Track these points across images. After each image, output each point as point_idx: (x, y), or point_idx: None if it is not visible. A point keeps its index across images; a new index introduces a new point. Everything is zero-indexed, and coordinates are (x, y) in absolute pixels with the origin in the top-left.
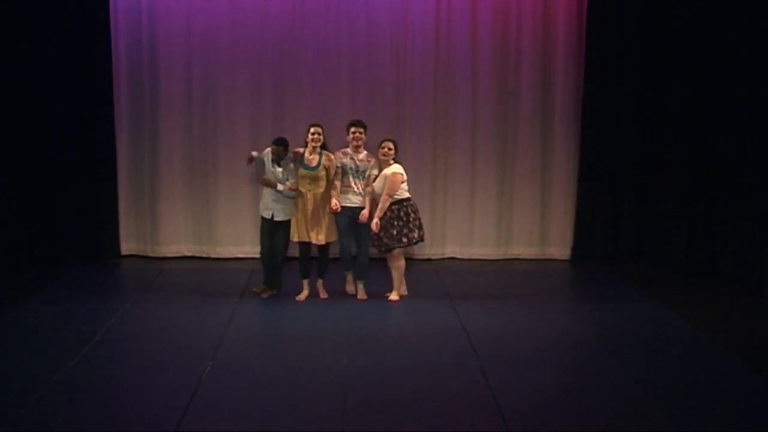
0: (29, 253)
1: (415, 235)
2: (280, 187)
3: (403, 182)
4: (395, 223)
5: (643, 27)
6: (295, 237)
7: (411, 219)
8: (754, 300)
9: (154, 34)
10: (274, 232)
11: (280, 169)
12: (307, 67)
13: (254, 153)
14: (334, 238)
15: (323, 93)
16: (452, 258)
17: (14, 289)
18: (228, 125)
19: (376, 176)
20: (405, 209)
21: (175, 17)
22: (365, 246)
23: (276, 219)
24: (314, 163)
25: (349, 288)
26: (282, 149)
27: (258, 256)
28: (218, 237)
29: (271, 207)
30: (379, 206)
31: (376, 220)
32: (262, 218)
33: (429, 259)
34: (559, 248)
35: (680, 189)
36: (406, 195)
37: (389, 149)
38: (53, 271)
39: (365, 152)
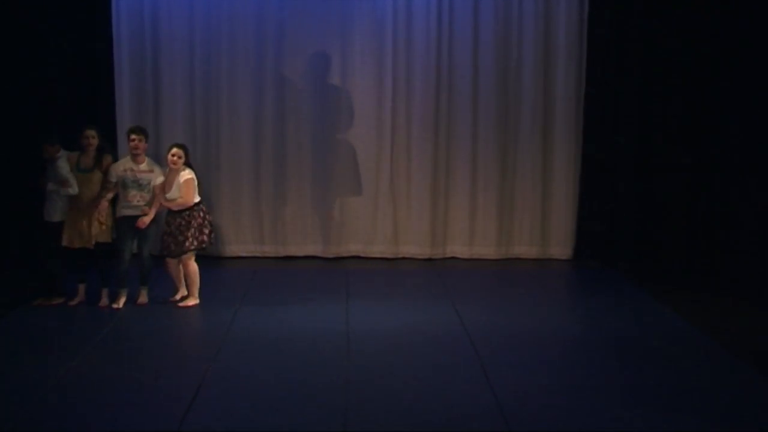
0: (29, 252)
1: (205, 239)
2: (50, 186)
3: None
4: (184, 230)
5: (644, 28)
6: (67, 241)
7: (201, 223)
8: (755, 300)
9: (156, 33)
10: (49, 234)
11: (52, 167)
12: (306, 65)
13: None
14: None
15: (323, 90)
16: (453, 258)
17: (14, 289)
18: (230, 124)
19: (163, 183)
20: (196, 213)
21: (177, 15)
22: (147, 249)
23: (54, 220)
24: (90, 166)
25: (105, 302)
26: (55, 147)
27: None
28: (219, 235)
29: (49, 209)
30: (158, 206)
31: (149, 218)
32: (44, 222)
33: (430, 259)
34: (561, 248)
35: (682, 189)
36: (197, 199)
37: (179, 157)
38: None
39: (147, 161)
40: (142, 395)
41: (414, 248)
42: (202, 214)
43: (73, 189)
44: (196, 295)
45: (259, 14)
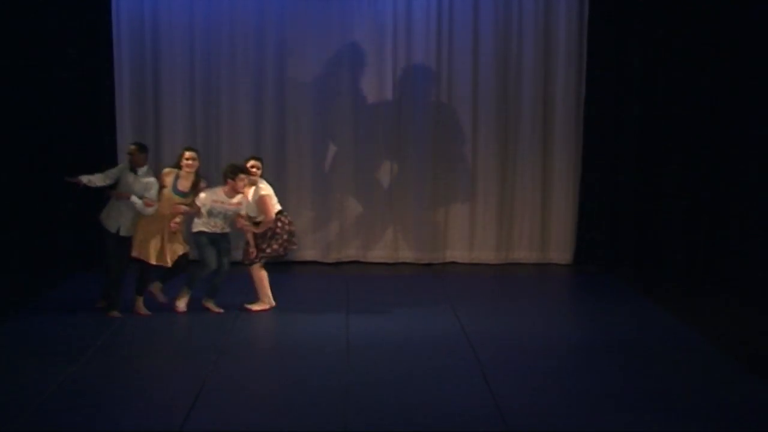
0: (31, 257)
1: (276, 247)
2: (134, 199)
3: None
4: (258, 238)
5: (644, 30)
6: (152, 259)
7: (277, 232)
8: (755, 304)
9: (156, 35)
10: (120, 247)
11: (134, 178)
12: (306, 67)
13: (83, 178)
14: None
15: (323, 93)
16: (453, 263)
17: (16, 293)
18: (230, 127)
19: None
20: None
21: (177, 17)
22: (227, 261)
23: (123, 234)
24: (187, 189)
25: (180, 303)
26: (144, 155)
27: None
28: None
29: (118, 220)
30: (260, 228)
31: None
32: (107, 232)
33: (430, 264)
34: (560, 253)
35: (682, 193)
36: (278, 207)
37: (257, 169)
38: (54, 276)
39: (241, 195)
40: (142, 399)
41: (413, 253)
42: (279, 224)
43: (154, 210)
44: (264, 300)
45: (259, 16)
